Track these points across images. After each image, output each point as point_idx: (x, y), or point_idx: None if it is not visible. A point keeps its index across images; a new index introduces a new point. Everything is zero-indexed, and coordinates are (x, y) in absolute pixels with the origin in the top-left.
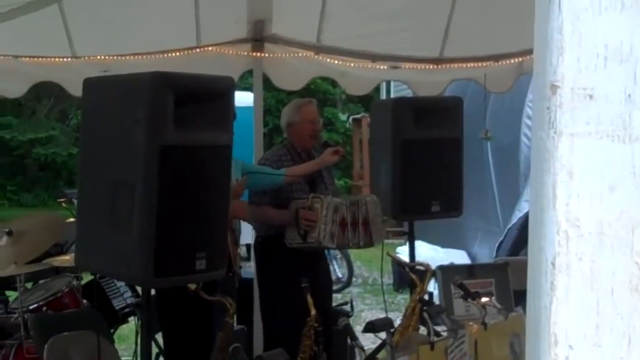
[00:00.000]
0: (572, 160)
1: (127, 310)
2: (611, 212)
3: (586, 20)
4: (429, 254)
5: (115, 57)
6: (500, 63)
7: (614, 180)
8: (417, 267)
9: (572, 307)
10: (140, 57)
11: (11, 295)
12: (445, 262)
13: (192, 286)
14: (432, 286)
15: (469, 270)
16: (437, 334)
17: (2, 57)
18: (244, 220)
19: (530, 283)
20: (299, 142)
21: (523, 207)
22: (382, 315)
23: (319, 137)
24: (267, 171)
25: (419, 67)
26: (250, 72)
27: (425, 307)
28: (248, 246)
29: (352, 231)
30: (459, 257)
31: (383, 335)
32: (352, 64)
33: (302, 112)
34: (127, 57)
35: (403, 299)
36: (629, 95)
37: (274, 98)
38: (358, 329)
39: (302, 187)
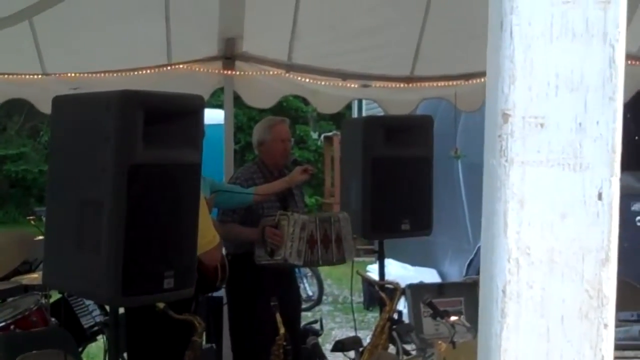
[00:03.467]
0: (523, 188)
1: (95, 328)
2: (562, 240)
3: (538, 48)
4: (399, 272)
5: (85, 75)
6: (470, 82)
7: (564, 208)
8: (387, 285)
9: (523, 335)
10: (110, 74)
11: None
12: (416, 281)
13: (161, 305)
14: (402, 305)
15: (439, 289)
16: (406, 352)
17: None
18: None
19: (481, 310)
20: (270, 161)
21: None
22: (352, 333)
23: (290, 155)
24: (236, 190)
25: (389, 86)
26: (221, 90)
27: (394, 326)
28: None
29: (324, 248)
30: (429, 275)
31: (352, 354)
32: (323, 83)
33: (273, 131)
34: (98, 75)
35: (373, 317)
36: (580, 124)
37: (245, 115)
38: (328, 347)
39: (273, 204)
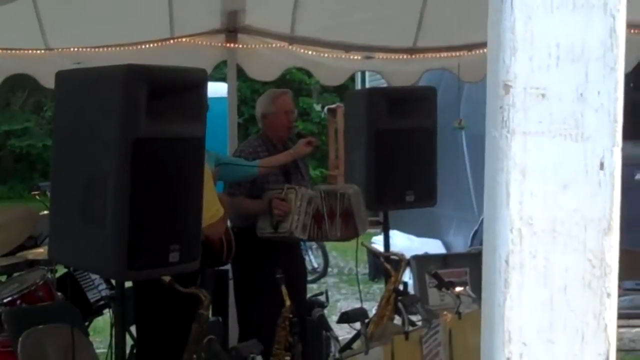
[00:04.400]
0: (525, 159)
1: (101, 302)
2: (564, 210)
3: (538, 19)
4: (404, 243)
5: (88, 49)
6: (473, 52)
7: (566, 179)
8: (392, 257)
9: (526, 304)
10: (113, 49)
11: None
12: (420, 252)
13: (167, 278)
14: (407, 276)
15: (444, 260)
16: (412, 323)
17: None
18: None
19: (485, 281)
20: (274, 133)
21: None
22: (358, 305)
23: (293, 127)
24: (240, 162)
25: (392, 57)
26: (224, 63)
27: (399, 297)
28: None
29: (330, 223)
30: (434, 246)
31: (358, 325)
32: (326, 55)
33: (276, 103)
34: (101, 49)
35: (379, 288)
36: (581, 94)
37: (249, 88)
38: (334, 319)
39: (278, 178)
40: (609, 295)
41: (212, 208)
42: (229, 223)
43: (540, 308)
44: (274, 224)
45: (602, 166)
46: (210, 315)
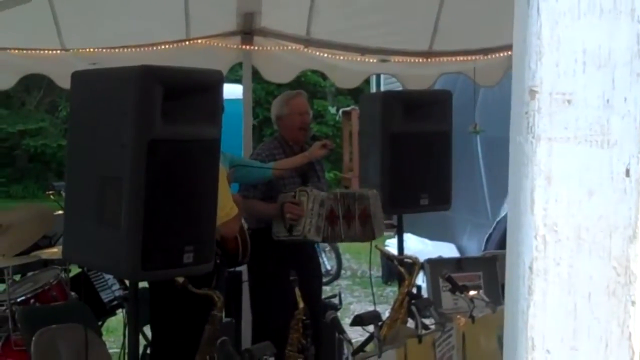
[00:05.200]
0: (550, 164)
1: (115, 302)
2: (589, 217)
3: (565, 25)
4: (418, 246)
5: (104, 50)
6: (489, 57)
7: (592, 185)
8: (406, 260)
9: (550, 312)
10: (129, 50)
11: None
12: (434, 255)
13: (180, 279)
14: (421, 279)
15: (457, 264)
16: (425, 327)
17: None
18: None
19: (508, 287)
20: (289, 135)
21: None
22: (371, 307)
23: (308, 129)
24: (255, 164)
25: (408, 61)
26: (240, 65)
27: (413, 301)
28: None
29: (346, 225)
30: (448, 250)
31: (371, 328)
32: (341, 57)
33: (290, 104)
34: (116, 50)
35: (392, 291)
36: (607, 101)
37: (263, 90)
38: (347, 321)
39: (294, 180)
40: (633, 303)
41: (226, 206)
42: (244, 224)
43: (564, 315)
44: (287, 227)
45: (627, 173)
46: (223, 316)
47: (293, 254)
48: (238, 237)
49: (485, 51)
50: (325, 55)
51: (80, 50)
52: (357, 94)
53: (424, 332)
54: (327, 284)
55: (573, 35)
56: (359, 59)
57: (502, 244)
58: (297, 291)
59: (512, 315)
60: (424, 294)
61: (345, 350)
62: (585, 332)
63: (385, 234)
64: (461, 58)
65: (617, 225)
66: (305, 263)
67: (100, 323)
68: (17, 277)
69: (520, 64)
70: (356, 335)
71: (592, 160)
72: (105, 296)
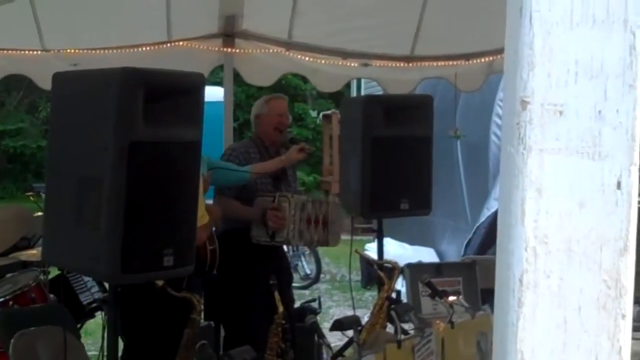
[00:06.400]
0: (541, 176)
1: (94, 305)
2: (580, 229)
3: (557, 35)
4: (398, 251)
5: (85, 51)
6: (470, 62)
7: (583, 197)
8: (385, 264)
9: (539, 324)
10: (110, 51)
11: None
12: (414, 260)
13: (160, 282)
14: (400, 284)
15: (437, 269)
16: (405, 332)
17: None
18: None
19: (497, 299)
20: (266, 135)
21: (492, 206)
22: (350, 312)
23: (285, 131)
24: (232, 167)
25: (389, 65)
26: (220, 67)
27: (392, 305)
28: None
29: (314, 228)
30: (427, 254)
31: (350, 333)
32: (322, 61)
33: (270, 104)
34: (97, 51)
35: (371, 295)
36: (599, 112)
37: (244, 93)
38: (326, 325)
39: (266, 181)
40: (623, 316)
41: (198, 213)
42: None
43: (554, 328)
44: (270, 233)
45: (619, 185)
46: (202, 320)
47: (265, 256)
48: (207, 246)
49: (466, 56)
50: (307, 58)
51: (61, 51)
52: (338, 97)
53: (403, 337)
54: (306, 287)
55: (565, 45)
56: (340, 63)
57: (481, 249)
58: (277, 295)
59: (501, 327)
60: (404, 298)
61: (325, 355)
62: (575, 345)
63: (365, 238)
64: (442, 63)
65: (608, 238)
66: (278, 266)
67: (79, 325)
68: None
69: (512, 74)
70: (334, 339)
71: (584, 172)
72: (84, 298)
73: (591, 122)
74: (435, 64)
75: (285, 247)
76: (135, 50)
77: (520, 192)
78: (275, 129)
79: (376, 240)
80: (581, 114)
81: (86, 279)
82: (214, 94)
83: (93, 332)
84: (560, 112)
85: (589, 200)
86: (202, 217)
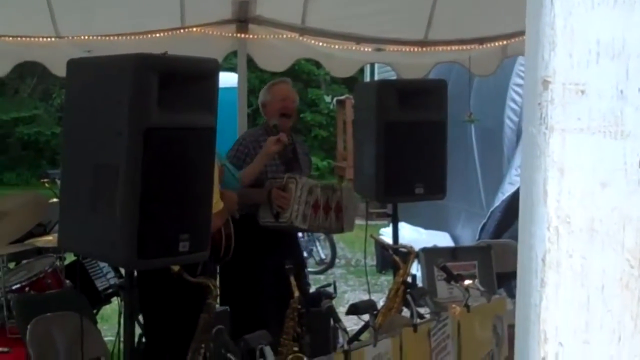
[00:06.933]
0: (563, 156)
1: (110, 290)
2: (602, 209)
3: (579, 15)
4: (412, 235)
5: (98, 38)
6: (484, 46)
7: (605, 177)
8: (400, 249)
9: (562, 304)
10: (123, 37)
11: None
12: (429, 244)
13: (175, 268)
14: (415, 268)
15: (452, 253)
16: (420, 316)
17: None
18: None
19: (520, 280)
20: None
21: (506, 190)
22: (365, 296)
23: (293, 115)
24: (231, 171)
25: (403, 50)
26: (234, 53)
27: (408, 290)
28: None
29: (324, 215)
30: (442, 239)
31: (366, 317)
32: (336, 46)
33: (272, 90)
34: (111, 38)
35: (386, 280)
36: (621, 91)
37: (258, 79)
38: (341, 310)
39: (278, 167)
40: None
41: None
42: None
43: (577, 308)
44: (274, 213)
45: None
46: (218, 304)
47: (276, 241)
48: (222, 232)
49: (480, 40)
50: (321, 44)
51: (75, 38)
52: (351, 82)
53: (419, 321)
54: (321, 272)
55: (587, 25)
56: (354, 48)
57: (496, 234)
58: (292, 280)
59: (524, 307)
60: (419, 283)
61: (341, 339)
62: (598, 324)
63: (380, 222)
64: (456, 47)
65: (631, 217)
66: (289, 250)
67: (95, 311)
68: (12, 265)
69: (533, 54)
70: (350, 324)
71: (606, 152)
72: (100, 284)
73: (613, 102)
74: (449, 48)
75: (300, 233)
76: (149, 36)
77: (542, 172)
78: (282, 115)
79: (391, 225)
80: (603, 93)
81: (102, 264)
82: (227, 80)
83: (109, 317)
84: (582, 92)
85: (611, 180)
86: (216, 204)
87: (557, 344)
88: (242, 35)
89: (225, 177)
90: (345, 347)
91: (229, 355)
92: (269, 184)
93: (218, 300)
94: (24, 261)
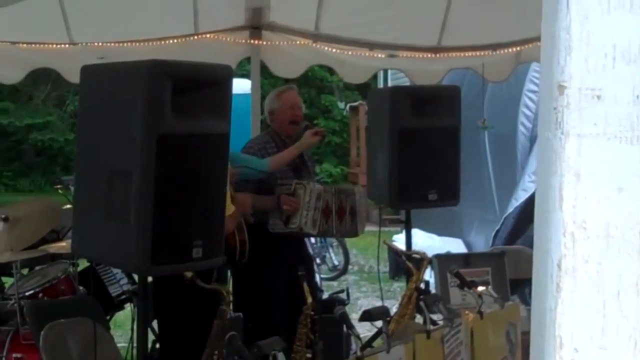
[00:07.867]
0: (579, 161)
1: (123, 297)
2: (618, 214)
3: (595, 20)
4: (426, 242)
5: (112, 44)
6: (498, 52)
7: (621, 182)
8: (414, 255)
9: (578, 310)
10: (137, 44)
11: (7, 281)
12: (442, 251)
13: (189, 274)
14: (429, 275)
15: (466, 259)
16: (434, 322)
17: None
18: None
19: (536, 285)
20: (282, 130)
21: (520, 196)
22: (378, 302)
23: (301, 122)
24: (252, 164)
25: (416, 56)
26: (248, 59)
27: (421, 296)
28: None
29: (338, 220)
30: (456, 245)
31: (379, 323)
32: (349, 52)
33: (281, 98)
34: (124, 44)
35: (399, 287)
36: (637, 96)
37: (271, 85)
38: (354, 316)
39: (287, 174)
40: None
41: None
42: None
43: (593, 314)
44: (284, 219)
45: None
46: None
47: (287, 248)
48: (236, 236)
49: (493, 47)
50: (334, 50)
51: (89, 45)
52: (365, 89)
53: (432, 327)
54: (334, 279)
55: (603, 30)
56: (367, 54)
57: (509, 240)
58: (305, 286)
59: (539, 312)
60: (432, 289)
61: (354, 345)
62: (614, 330)
63: (392, 229)
64: (470, 53)
65: None
66: (299, 257)
67: (108, 317)
68: (25, 271)
69: (549, 59)
70: (363, 330)
71: (622, 157)
72: (114, 290)
73: (629, 107)
74: (462, 54)
75: (312, 239)
76: (163, 42)
77: (558, 177)
78: (291, 123)
79: (404, 231)
80: (619, 98)
81: (115, 271)
82: (240, 86)
83: (122, 324)
84: (598, 97)
85: (627, 185)
86: (228, 208)
87: (573, 349)
88: (256, 42)
89: (246, 172)
90: (358, 353)
91: None
92: (279, 190)
93: (231, 307)
94: (38, 267)
